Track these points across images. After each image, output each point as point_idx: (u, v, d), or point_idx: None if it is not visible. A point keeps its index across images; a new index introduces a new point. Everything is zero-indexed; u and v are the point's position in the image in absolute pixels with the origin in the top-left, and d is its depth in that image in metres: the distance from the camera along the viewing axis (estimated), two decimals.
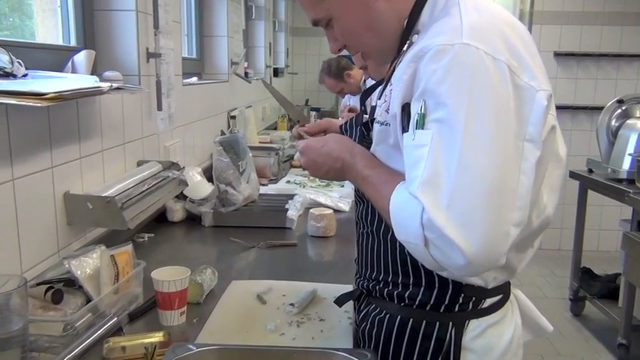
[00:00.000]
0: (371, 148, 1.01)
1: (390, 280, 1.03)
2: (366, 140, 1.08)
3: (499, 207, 0.79)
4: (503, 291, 1.02)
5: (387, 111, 0.94)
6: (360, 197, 1.10)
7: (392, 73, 1.01)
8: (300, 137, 1.37)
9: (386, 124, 0.95)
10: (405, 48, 0.95)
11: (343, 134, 1.17)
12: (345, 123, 1.18)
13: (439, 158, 0.80)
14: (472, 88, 0.80)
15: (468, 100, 0.80)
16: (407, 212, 0.84)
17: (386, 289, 1.03)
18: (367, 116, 1.12)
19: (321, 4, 0.98)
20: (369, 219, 1.06)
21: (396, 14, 0.95)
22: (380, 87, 1.06)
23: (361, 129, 1.09)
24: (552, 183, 0.96)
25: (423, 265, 0.93)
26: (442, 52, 0.82)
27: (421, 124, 0.83)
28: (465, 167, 0.78)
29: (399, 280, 1.01)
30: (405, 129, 0.88)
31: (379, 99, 1.02)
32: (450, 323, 0.97)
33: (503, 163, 0.80)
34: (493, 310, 1.00)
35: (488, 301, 0.99)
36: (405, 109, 0.88)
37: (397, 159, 0.93)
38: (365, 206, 1.08)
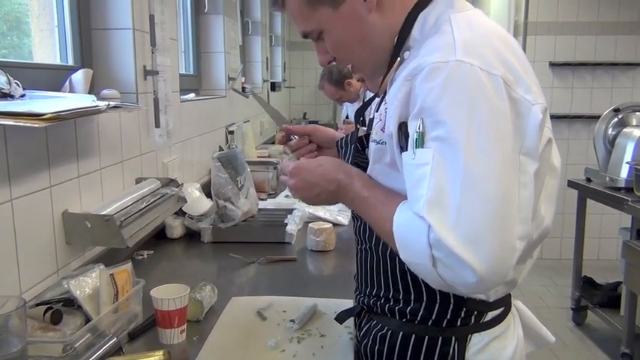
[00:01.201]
0: (368, 168, 1.01)
1: (390, 296, 1.02)
2: (361, 157, 1.07)
3: (505, 222, 0.79)
4: (505, 303, 1.02)
5: (382, 130, 0.93)
6: (356, 214, 1.10)
7: (382, 82, 1.02)
8: (285, 139, 1.33)
9: (382, 143, 0.94)
10: (395, 64, 0.96)
11: (339, 151, 1.17)
12: (341, 140, 1.18)
13: (442, 176, 0.80)
14: (470, 104, 0.80)
15: (467, 117, 0.80)
16: (412, 232, 0.83)
17: (387, 305, 1.03)
18: (365, 129, 1.12)
19: (313, 16, 0.97)
20: (367, 235, 1.06)
21: (388, 28, 0.95)
22: (376, 100, 1.07)
23: (356, 145, 1.09)
24: (549, 193, 0.96)
25: (423, 281, 0.92)
26: (437, 70, 0.82)
27: (420, 143, 0.83)
28: (470, 184, 0.78)
29: (400, 296, 1.00)
30: (403, 148, 0.88)
31: (376, 111, 1.02)
32: (453, 338, 0.97)
33: (505, 178, 0.80)
34: (495, 323, 0.99)
35: (490, 314, 0.99)
36: (402, 128, 0.88)
37: (394, 177, 0.93)
38: (362, 223, 1.07)
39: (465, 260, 0.77)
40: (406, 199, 0.87)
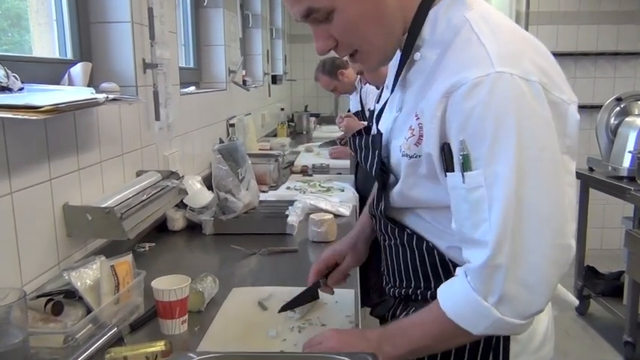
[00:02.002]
0: (400, 182, 0.98)
1: (432, 285, 1.01)
2: (384, 165, 1.03)
3: (559, 226, 0.82)
4: None
5: (415, 144, 0.91)
6: (373, 213, 1.10)
7: (395, 82, 1.00)
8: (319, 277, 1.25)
9: (416, 157, 0.92)
10: (405, 65, 0.95)
11: (355, 150, 1.11)
12: (355, 138, 1.11)
13: (498, 198, 0.81)
14: (517, 118, 0.79)
15: (516, 131, 0.79)
16: (464, 302, 0.86)
17: (428, 292, 1.01)
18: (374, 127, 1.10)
19: None
20: (396, 232, 1.04)
21: (401, 12, 0.92)
22: (376, 92, 1.05)
23: (380, 151, 1.02)
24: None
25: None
26: (478, 85, 0.80)
27: (468, 166, 0.82)
28: (522, 200, 0.80)
29: (442, 282, 0.97)
30: (447, 168, 0.87)
31: (377, 102, 1.01)
32: None
33: (555, 185, 0.82)
34: None
35: None
36: (445, 148, 0.86)
37: (431, 188, 0.92)
38: (383, 220, 1.06)
39: (517, 271, 0.81)
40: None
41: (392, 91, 1.03)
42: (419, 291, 1.03)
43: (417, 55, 0.93)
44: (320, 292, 1.24)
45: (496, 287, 0.82)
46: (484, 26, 0.86)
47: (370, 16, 0.90)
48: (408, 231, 1.02)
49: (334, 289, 1.25)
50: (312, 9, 0.89)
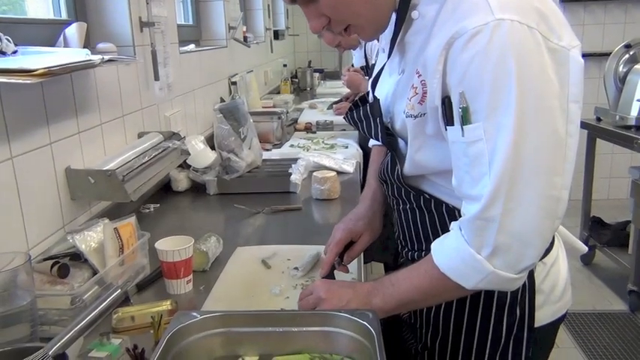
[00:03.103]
0: (408, 144, 0.96)
1: None
2: (387, 129, 1.02)
3: (551, 178, 0.81)
4: None
5: (419, 103, 0.89)
6: (383, 178, 1.09)
7: (392, 46, 0.98)
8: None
9: (421, 116, 0.90)
10: (402, 26, 0.92)
11: (355, 124, 1.11)
12: (352, 113, 1.10)
13: (498, 150, 0.80)
14: (517, 67, 0.77)
15: (516, 82, 0.77)
16: (457, 256, 0.86)
17: None
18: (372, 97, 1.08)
19: None
20: (411, 196, 1.04)
21: None
22: (375, 45, 1.03)
23: (380, 116, 1.01)
24: None
25: None
26: (477, 34, 0.78)
27: (467, 119, 0.81)
28: (520, 152, 0.79)
29: None
30: (447, 121, 0.85)
31: (376, 56, 0.98)
32: None
33: (553, 137, 0.81)
34: (550, 248, 1.01)
35: None
36: (446, 101, 0.85)
37: (440, 147, 0.91)
38: (396, 185, 1.05)
39: (510, 224, 0.81)
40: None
41: (389, 55, 1.00)
42: None
43: (414, 14, 0.91)
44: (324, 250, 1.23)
45: (489, 239, 0.82)
46: None
47: None
48: (426, 195, 1.02)
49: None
50: None
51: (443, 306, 1.03)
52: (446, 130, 0.86)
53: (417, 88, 0.89)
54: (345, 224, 1.19)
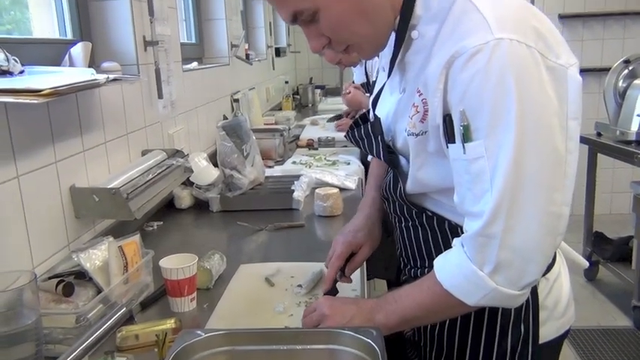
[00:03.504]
0: (410, 162, 0.97)
1: None
2: (389, 147, 1.03)
3: (551, 195, 0.82)
4: None
5: (421, 121, 0.90)
6: (385, 196, 1.09)
7: (392, 66, 0.99)
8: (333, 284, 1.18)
9: (422, 134, 0.91)
10: (402, 46, 0.94)
11: (355, 142, 1.11)
12: (352, 131, 1.11)
13: (499, 167, 0.81)
14: (517, 85, 0.78)
15: (516, 99, 0.78)
16: (459, 273, 0.87)
17: None
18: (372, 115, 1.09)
19: None
20: (414, 213, 1.04)
21: (389, 1, 0.91)
22: (375, 62, 1.04)
23: (382, 135, 1.02)
24: None
25: None
26: (477, 54, 0.79)
27: (468, 136, 0.82)
28: (521, 168, 0.80)
29: None
30: (449, 139, 0.86)
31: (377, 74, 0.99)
32: None
33: (553, 153, 0.81)
34: (552, 264, 1.02)
35: None
36: (447, 119, 0.86)
37: (442, 164, 0.92)
38: (399, 203, 1.06)
39: (511, 241, 0.81)
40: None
41: (389, 74, 1.01)
42: None
43: (414, 34, 0.92)
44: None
45: (491, 256, 0.83)
46: None
47: (354, 10, 0.89)
48: (429, 212, 1.02)
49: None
50: (297, 12, 0.90)
51: (447, 323, 1.03)
52: (447, 147, 0.87)
53: (418, 106, 0.91)
54: (344, 237, 1.20)
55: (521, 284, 0.85)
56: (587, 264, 1.22)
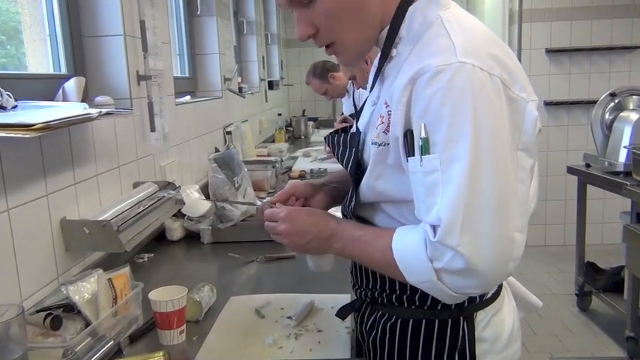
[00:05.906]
0: (367, 170, 0.99)
1: (397, 287, 1.03)
2: (360, 162, 1.05)
3: (503, 219, 0.83)
4: None
5: (385, 132, 0.93)
6: (345, 213, 1.11)
7: (375, 80, 1.02)
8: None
9: (384, 145, 0.94)
10: (385, 62, 0.97)
11: (332, 147, 1.14)
12: (332, 136, 1.14)
13: (452, 181, 0.82)
14: (474, 105, 0.81)
15: (472, 118, 0.81)
16: (412, 253, 0.87)
17: (394, 295, 1.04)
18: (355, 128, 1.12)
19: None
20: None
21: (381, 8, 0.94)
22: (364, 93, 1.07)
23: (357, 148, 1.04)
24: (534, 176, 0.98)
25: None
26: (441, 73, 0.83)
27: (426, 149, 0.84)
28: (475, 186, 0.81)
29: (407, 285, 0.99)
30: (408, 153, 0.88)
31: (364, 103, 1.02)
32: (461, 318, 1.00)
33: (504, 175, 0.83)
34: (495, 298, 1.04)
35: (490, 291, 1.02)
36: (407, 134, 0.88)
37: (398, 179, 0.94)
38: (352, 219, 1.07)
39: (466, 257, 0.81)
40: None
41: (371, 88, 1.05)
42: (385, 294, 1.05)
43: (393, 52, 0.96)
44: (317, 299, 1.22)
45: (443, 259, 0.84)
46: (455, 24, 0.89)
47: (351, 7, 0.93)
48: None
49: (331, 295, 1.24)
50: None
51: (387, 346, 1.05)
52: (407, 160, 0.89)
53: (383, 117, 0.94)
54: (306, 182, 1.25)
55: (462, 292, 0.86)
56: (540, 304, 1.24)
